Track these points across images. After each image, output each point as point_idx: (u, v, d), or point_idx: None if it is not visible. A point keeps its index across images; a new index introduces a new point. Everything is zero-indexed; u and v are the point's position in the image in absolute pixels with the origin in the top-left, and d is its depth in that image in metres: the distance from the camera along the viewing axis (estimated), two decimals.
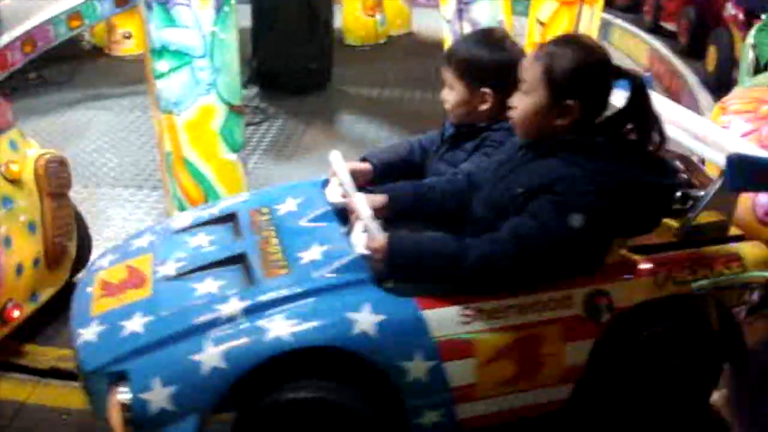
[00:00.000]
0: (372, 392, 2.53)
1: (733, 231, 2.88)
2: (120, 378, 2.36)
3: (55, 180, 3.69)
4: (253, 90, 7.40)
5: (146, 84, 4.36)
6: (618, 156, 2.47)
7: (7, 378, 3.44)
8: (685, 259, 2.72)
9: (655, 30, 9.57)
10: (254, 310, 2.43)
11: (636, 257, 2.68)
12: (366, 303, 2.43)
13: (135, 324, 2.48)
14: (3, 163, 3.48)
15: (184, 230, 2.98)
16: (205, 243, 2.85)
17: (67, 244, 3.85)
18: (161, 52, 3.96)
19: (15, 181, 3.51)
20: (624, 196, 2.43)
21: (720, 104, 4.29)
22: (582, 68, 2.45)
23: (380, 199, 2.72)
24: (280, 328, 2.37)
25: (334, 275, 2.50)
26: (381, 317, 2.41)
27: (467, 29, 5.24)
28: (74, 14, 8.14)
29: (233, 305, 2.45)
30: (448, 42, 6.87)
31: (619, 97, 2.59)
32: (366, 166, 3.04)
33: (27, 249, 3.54)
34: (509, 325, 2.51)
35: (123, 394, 2.33)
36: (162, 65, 3.99)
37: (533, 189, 2.43)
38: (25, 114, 7.16)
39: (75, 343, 2.57)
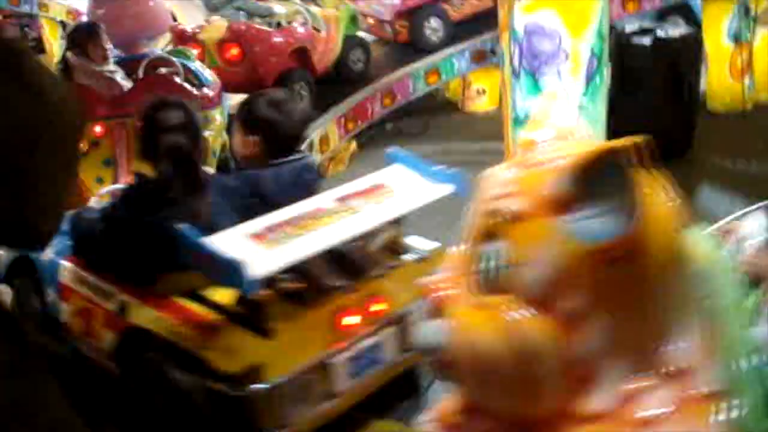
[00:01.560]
0: None
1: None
2: None
3: None
4: None
5: (499, 141, 4.40)
6: (153, 192, 3.21)
7: None
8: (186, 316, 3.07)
9: None
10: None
11: (170, 298, 3.15)
12: (61, 246, 3.56)
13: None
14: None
15: None
16: None
17: None
18: (524, 121, 3.82)
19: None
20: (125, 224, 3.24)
21: None
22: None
23: None
24: None
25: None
26: (55, 256, 3.64)
27: None
28: (433, 69, 8.39)
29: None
30: None
31: None
32: None
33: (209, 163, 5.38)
34: (82, 294, 3.51)
35: None
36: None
37: None
38: (380, 162, 7.42)
39: None
